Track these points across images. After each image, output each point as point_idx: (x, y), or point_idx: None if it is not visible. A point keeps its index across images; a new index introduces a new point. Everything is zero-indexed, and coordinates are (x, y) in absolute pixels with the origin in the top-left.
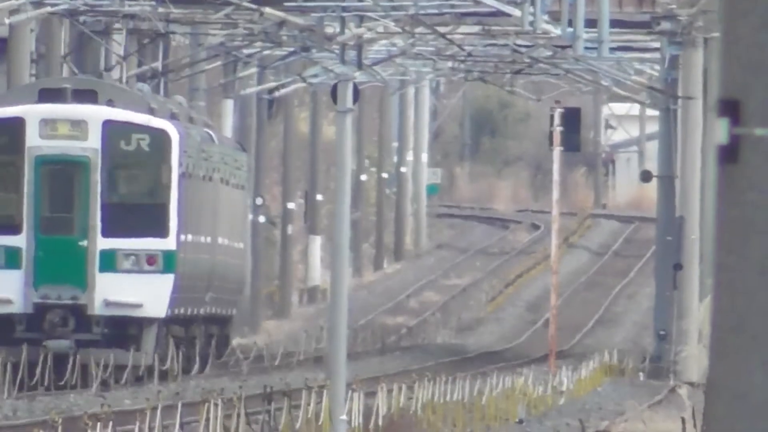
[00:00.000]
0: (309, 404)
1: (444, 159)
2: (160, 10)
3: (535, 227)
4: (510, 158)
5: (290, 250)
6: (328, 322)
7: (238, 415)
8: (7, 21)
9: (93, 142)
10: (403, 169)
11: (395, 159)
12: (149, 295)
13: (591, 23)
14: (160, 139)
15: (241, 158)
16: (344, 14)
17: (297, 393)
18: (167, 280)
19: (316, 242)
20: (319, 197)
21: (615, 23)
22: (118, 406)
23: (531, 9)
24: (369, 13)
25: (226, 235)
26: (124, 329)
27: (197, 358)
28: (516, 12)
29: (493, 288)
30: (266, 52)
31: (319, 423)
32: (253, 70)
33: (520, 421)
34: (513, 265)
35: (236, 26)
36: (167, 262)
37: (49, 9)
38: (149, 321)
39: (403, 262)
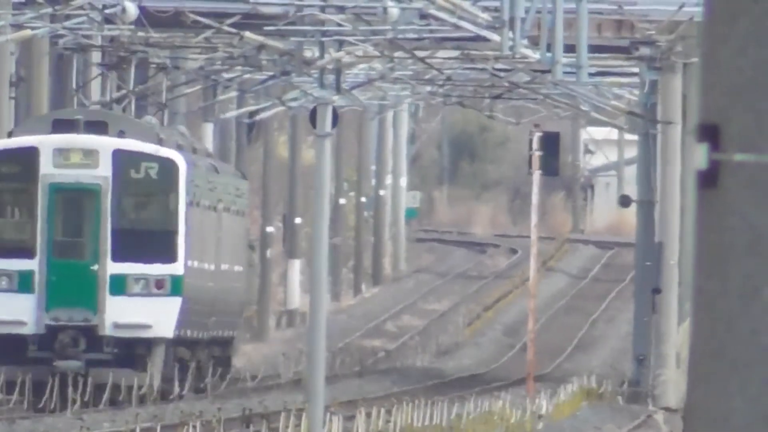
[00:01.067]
0: (287, 427)
1: (423, 183)
2: (140, 33)
3: (514, 251)
4: (489, 182)
5: (269, 274)
6: (307, 345)
7: None
8: None
9: (104, 170)
10: (381, 193)
11: (374, 182)
12: (157, 316)
13: (570, 48)
14: (168, 168)
15: (241, 186)
16: (323, 39)
17: (275, 416)
18: (175, 303)
19: (295, 266)
20: (298, 221)
21: (594, 48)
22: (96, 429)
23: (510, 34)
24: (348, 38)
25: (227, 260)
26: (133, 349)
27: (208, 378)
28: (495, 37)
29: (471, 312)
30: (246, 76)
31: None
32: (233, 93)
33: None
34: (491, 289)
35: (216, 50)
36: (175, 286)
37: (29, 31)
38: (157, 341)
39: (382, 286)
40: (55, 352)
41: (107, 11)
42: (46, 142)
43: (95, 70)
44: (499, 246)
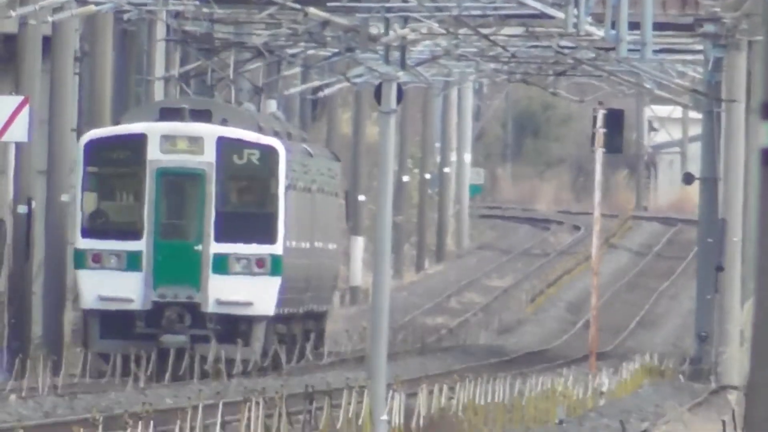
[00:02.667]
0: (350, 404)
1: (486, 160)
2: (204, 9)
3: (577, 228)
4: (552, 159)
5: None
6: (370, 322)
7: (279, 415)
8: (50, 19)
9: (208, 156)
10: (446, 170)
11: (438, 159)
12: (258, 295)
13: (634, 25)
14: (269, 154)
15: (333, 167)
16: (388, 15)
17: (338, 392)
18: (275, 282)
19: (359, 243)
20: (361, 198)
21: (658, 26)
22: (159, 405)
23: (575, 11)
24: (413, 14)
25: (321, 238)
26: (235, 326)
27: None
28: (559, 14)
29: (534, 289)
30: (310, 52)
31: (360, 423)
32: (297, 69)
33: (560, 423)
34: (554, 266)
35: (280, 26)
36: (275, 265)
37: (93, 7)
38: (258, 319)
39: (445, 263)
40: (161, 328)
41: None
42: (154, 130)
43: (159, 47)
44: (562, 223)
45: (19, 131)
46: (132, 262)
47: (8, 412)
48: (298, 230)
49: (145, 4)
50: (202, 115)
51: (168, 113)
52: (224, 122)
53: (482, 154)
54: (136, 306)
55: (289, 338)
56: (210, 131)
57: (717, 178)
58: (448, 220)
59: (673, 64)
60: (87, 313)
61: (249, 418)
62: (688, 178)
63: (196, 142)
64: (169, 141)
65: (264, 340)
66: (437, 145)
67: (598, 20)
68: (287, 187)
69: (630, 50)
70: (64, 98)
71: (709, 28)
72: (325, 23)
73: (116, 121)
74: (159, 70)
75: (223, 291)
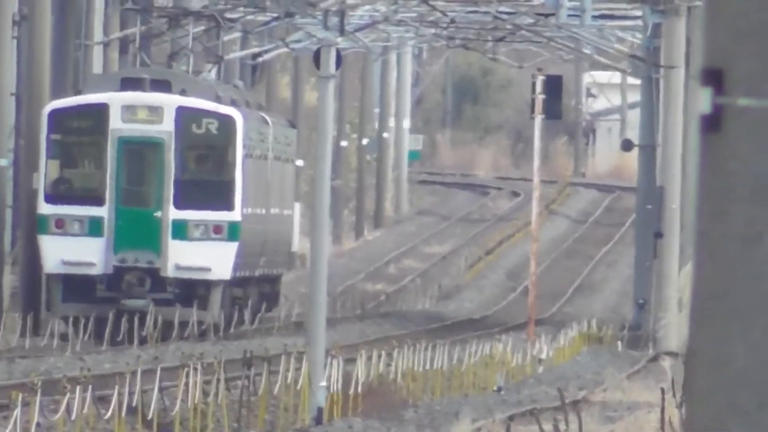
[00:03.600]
0: (288, 370)
1: (426, 126)
2: None
3: (516, 195)
4: (491, 125)
5: None
6: (308, 288)
7: (218, 380)
8: None
9: (168, 125)
10: (384, 135)
11: (376, 125)
12: (216, 260)
13: None
14: (226, 123)
15: (290, 135)
16: None
17: (276, 359)
18: (232, 248)
19: (296, 209)
20: (299, 163)
21: None
22: (97, 370)
23: None
24: None
25: (277, 205)
26: (193, 290)
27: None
28: None
29: (472, 255)
30: (249, 17)
31: (298, 389)
32: (237, 35)
33: (499, 390)
34: (493, 233)
35: None
36: (232, 231)
37: None
38: (216, 283)
39: (383, 229)
40: (122, 292)
41: None
42: (115, 99)
43: (98, 11)
44: (501, 189)
45: None
46: (94, 227)
47: None
48: (254, 197)
49: None
50: (161, 85)
51: (129, 83)
52: (183, 92)
53: (421, 120)
54: (97, 270)
55: (245, 301)
56: (169, 101)
57: (656, 145)
58: (387, 186)
59: (612, 30)
60: (49, 278)
61: (187, 384)
62: (626, 145)
63: (156, 111)
64: (130, 111)
65: (221, 303)
66: (376, 110)
67: None
68: (244, 156)
69: (569, 16)
70: (3, 62)
71: None
72: None
73: (77, 91)
74: (98, 35)
75: (182, 256)
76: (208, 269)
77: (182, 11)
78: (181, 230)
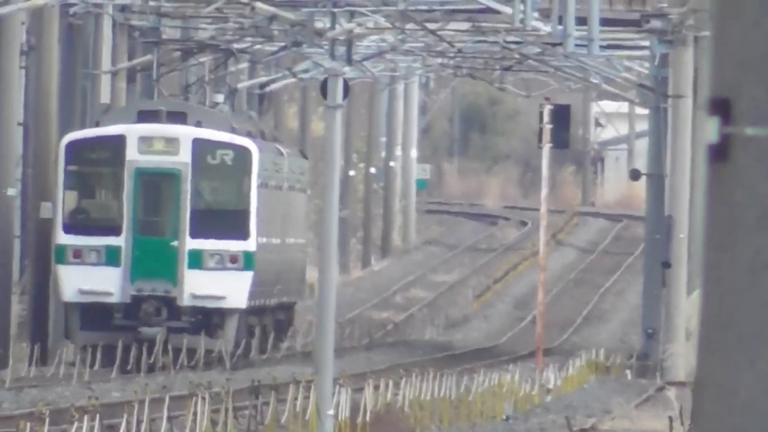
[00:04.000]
0: (296, 399)
1: (433, 155)
2: (151, 3)
3: (523, 224)
4: (499, 155)
5: None
6: (316, 317)
7: (226, 409)
8: None
9: (184, 156)
10: (391, 164)
11: (384, 154)
12: (231, 289)
13: (581, 21)
14: (242, 154)
15: (303, 165)
16: (335, 9)
17: (284, 387)
18: (247, 277)
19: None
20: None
21: (605, 21)
22: (105, 399)
23: (521, 6)
24: (359, 9)
25: (291, 234)
26: (209, 318)
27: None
28: (506, 9)
29: (480, 284)
30: (257, 47)
31: (306, 417)
32: (245, 64)
33: (507, 418)
34: (501, 262)
35: (227, 20)
36: (247, 261)
37: (39, 0)
38: (231, 311)
39: (391, 259)
40: (139, 320)
41: None
42: (132, 131)
43: (107, 40)
44: (509, 219)
45: None
46: (111, 257)
47: None
48: (269, 226)
49: None
50: (177, 117)
51: (145, 115)
52: (199, 124)
53: (429, 149)
54: (115, 299)
55: (260, 329)
56: (185, 132)
57: (664, 175)
58: (394, 215)
59: (620, 59)
60: (68, 306)
61: (195, 413)
62: (634, 174)
63: (172, 143)
64: (146, 142)
65: (237, 332)
66: (383, 139)
67: (545, 15)
68: (259, 186)
69: (577, 45)
70: (10, 92)
71: (655, 23)
72: (272, 17)
73: (95, 123)
74: (105, 64)
75: (198, 285)
76: (223, 298)
77: (196, 44)
78: (196, 259)
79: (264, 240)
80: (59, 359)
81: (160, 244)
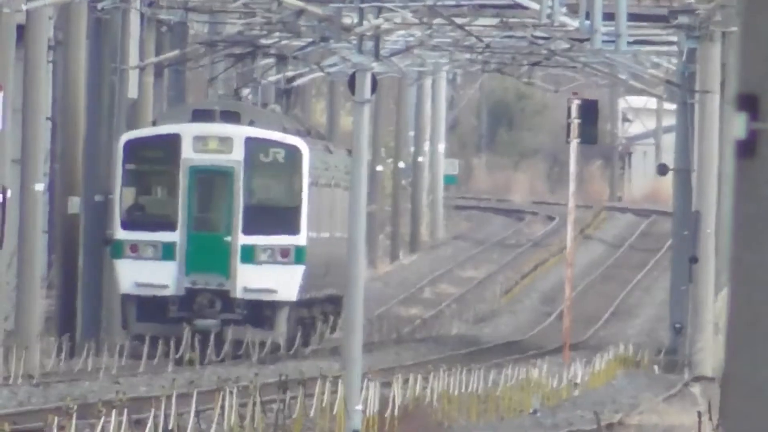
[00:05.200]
0: (324, 393)
1: (461, 150)
2: None
3: (551, 219)
4: (527, 150)
5: None
6: (345, 312)
7: (254, 404)
8: (24, 7)
9: (237, 155)
10: (419, 159)
11: (412, 149)
12: (283, 282)
13: (609, 16)
14: (293, 153)
15: (349, 162)
16: (362, 5)
17: (312, 382)
18: (298, 270)
19: None
20: None
21: (633, 17)
22: (132, 393)
23: (549, 2)
24: (387, 4)
25: (339, 228)
26: (261, 311)
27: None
28: (534, 4)
29: (508, 280)
30: (284, 42)
31: (334, 412)
32: (272, 59)
33: (535, 413)
34: (528, 257)
35: (254, 15)
36: (298, 255)
37: None
38: (282, 304)
39: (419, 254)
40: (193, 313)
41: None
42: (187, 130)
43: (134, 35)
44: (536, 214)
45: None
46: (167, 251)
47: None
48: (318, 222)
49: None
50: (231, 116)
51: (200, 115)
52: (251, 123)
53: (457, 144)
54: (170, 292)
55: (310, 321)
56: (238, 132)
57: (691, 170)
58: (422, 210)
59: (647, 55)
60: (124, 298)
61: (223, 407)
62: (662, 169)
63: (225, 142)
64: (201, 141)
65: (287, 324)
66: (411, 134)
67: (573, 11)
68: (310, 183)
69: (604, 41)
70: (38, 87)
71: (683, 19)
72: (300, 12)
73: (153, 122)
74: (133, 59)
75: (251, 279)
76: (275, 291)
77: (250, 42)
78: (249, 254)
79: (314, 235)
80: (87, 353)
81: (214, 240)
